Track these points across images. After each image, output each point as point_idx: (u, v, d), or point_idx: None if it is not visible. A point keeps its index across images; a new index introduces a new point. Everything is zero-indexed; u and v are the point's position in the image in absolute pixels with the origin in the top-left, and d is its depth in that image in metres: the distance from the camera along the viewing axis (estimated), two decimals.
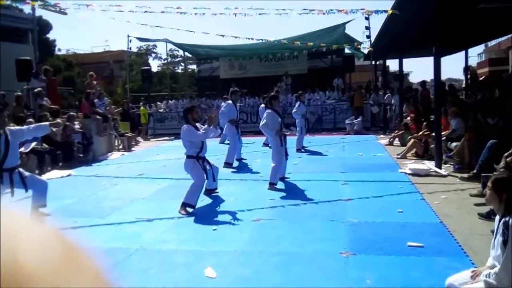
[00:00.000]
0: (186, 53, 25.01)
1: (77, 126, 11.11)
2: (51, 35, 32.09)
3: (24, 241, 0.32)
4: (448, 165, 8.09)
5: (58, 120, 6.02)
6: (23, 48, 18.00)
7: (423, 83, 15.57)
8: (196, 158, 5.82)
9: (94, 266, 0.36)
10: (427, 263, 3.78)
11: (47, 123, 5.47)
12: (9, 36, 19.40)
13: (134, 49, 32.94)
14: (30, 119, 9.45)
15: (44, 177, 8.45)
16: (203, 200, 6.19)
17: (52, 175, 8.61)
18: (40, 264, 0.31)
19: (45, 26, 29.58)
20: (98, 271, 0.36)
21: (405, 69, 28.60)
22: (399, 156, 9.36)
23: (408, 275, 3.58)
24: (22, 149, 8.12)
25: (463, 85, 20.81)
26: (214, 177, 6.30)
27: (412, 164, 8.01)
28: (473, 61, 35.99)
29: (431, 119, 9.73)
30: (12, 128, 5.54)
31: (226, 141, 11.15)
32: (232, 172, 8.57)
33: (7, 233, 0.31)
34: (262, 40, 18.44)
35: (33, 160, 8.88)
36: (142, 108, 17.90)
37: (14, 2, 14.00)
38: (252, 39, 17.39)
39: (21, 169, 5.33)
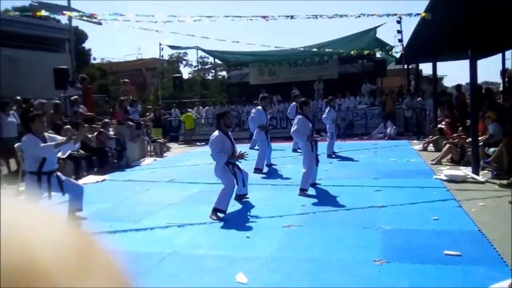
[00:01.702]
0: (216, 60, 25.28)
1: (111, 132, 11.40)
2: (86, 45, 33.16)
3: (41, 239, 0.31)
4: (485, 171, 7.82)
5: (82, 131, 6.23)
6: (60, 57, 18.68)
7: (458, 86, 15.17)
8: (226, 163, 5.86)
9: (111, 265, 0.35)
10: (464, 272, 3.65)
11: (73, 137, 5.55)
12: (47, 46, 20.18)
13: (166, 57, 33.59)
14: (68, 126, 9.77)
15: (80, 182, 8.70)
16: (234, 206, 6.21)
17: (87, 180, 8.85)
18: (56, 262, 0.30)
19: (81, 36, 30.56)
20: (115, 270, 0.35)
21: (439, 72, 27.95)
22: (433, 162, 9.11)
23: (444, 284, 3.46)
24: (59, 155, 8.39)
25: (501, 89, 20.10)
26: (244, 182, 6.32)
27: (447, 170, 7.78)
28: (510, 64, 34.70)
29: (467, 124, 9.44)
30: (50, 135, 5.75)
31: (256, 147, 11.17)
32: (262, 177, 8.57)
33: (23, 230, 0.31)
34: (292, 48, 18.42)
35: (70, 165, 9.16)
36: (188, 114, 18.06)
37: (51, 13, 14.57)
38: (282, 48, 17.38)
39: (59, 173, 5.51)
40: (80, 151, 9.72)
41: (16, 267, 0.29)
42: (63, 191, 5.43)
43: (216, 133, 5.91)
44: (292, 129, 6.99)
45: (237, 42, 15.17)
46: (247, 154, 6.13)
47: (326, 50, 18.51)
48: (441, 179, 7.34)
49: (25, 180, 5.46)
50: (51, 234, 0.33)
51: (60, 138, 5.70)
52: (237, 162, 6.10)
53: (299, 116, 6.96)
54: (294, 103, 11.53)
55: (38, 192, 5.27)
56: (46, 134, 5.54)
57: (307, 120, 6.96)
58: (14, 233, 0.31)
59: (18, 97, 11.20)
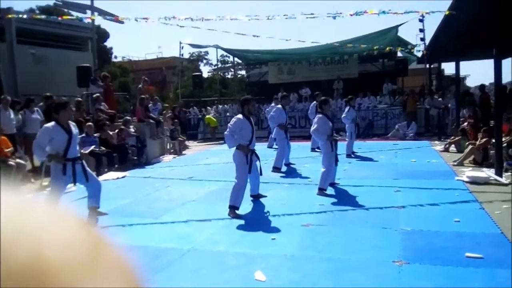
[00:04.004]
0: (236, 59, 25.34)
1: (132, 130, 11.55)
2: (108, 43, 33.65)
3: (50, 237, 0.31)
4: (509, 173, 7.66)
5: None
6: (83, 56, 18.99)
7: (482, 86, 14.85)
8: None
9: (123, 264, 0.35)
10: (487, 275, 3.59)
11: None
12: (71, 44, 20.54)
13: (186, 56, 33.87)
14: (90, 123, 9.95)
15: (101, 178, 8.84)
16: (252, 204, 6.25)
17: (108, 177, 9.00)
18: (66, 261, 0.30)
19: (103, 35, 31.02)
20: (127, 269, 0.35)
21: (462, 72, 27.44)
22: (455, 163, 8.97)
23: (466, 287, 3.41)
24: (81, 151, 8.56)
25: None
26: (261, 171, 6.30)
27: (470, 172, 7.65)
28: None
29: (491, 125, 9.26)
30: (75, 125, 5.84)
31: (274, 146, 11.18)
32: (281, 176, 8.57)
33: (31, 228, 0.31)
34: (313, 43, 18.32)
35: (92, 161, 9.31)
36: (209, 116, 18.16)
37: (77, 18, 14.94)
38: (304, 41, 17.37)
39: (83, 161, 5.63)
40: (102, 147, 9.90)
41: (25, 266, 0.28)
42: (88, 179, 5.52)
43: (240, 116, 5.96)
44: (312, 128, 6.96)
45: (257, 36, 14.94)
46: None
47: (347, 45, 18.32)
48: (463, 181, 7.22)
49: (51, 168, 5.56)
50: (60, 232, 0.32)
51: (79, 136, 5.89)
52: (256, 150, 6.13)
53: (319, 115, 6.93)
54: (315, 102, 11.50)
55: (63, 180, 5.38)
56: (72, 123, 5.61)
57: (327, 119, 6.93)
58: (22, 231, 0.30)
59: (48, 94, 11.43)
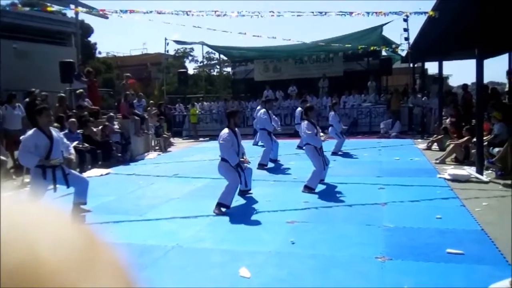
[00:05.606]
0: (222, 56, 25.27)
1: (116, 126, 11.44)
2: (92, 38, 33.20)
3: (45, 237, 0.31)
4: (490, 171, 7.81)
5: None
6: (66, 51, 18.72)
7: (465, 86, 15.11)
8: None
9: (117, 263, 0.35)
10: (467, 270, 3.67)
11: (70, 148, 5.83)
12: (54, 39, 20.22)
13: (172, 52, 33.63)
14: (73, 119, 9.81)
15: (84, 175, 8.74)
16: (238, 201, 6.24)
17: (92, 173, 8.90)
18: (61, 260, 0.30)
19: (87, 30, 30.61)
20: (121, 268, 0.35)
21: (445, 72, 27.83)
22: (437, 161, 9.11)
23: (447, 282, 3.48)
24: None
25: (506, 89, 20.00)
26: (247, 183, 6.36)
27: (451, 170, 7.78)
28: None
29: (473, 124, 9.43)
30: (56, 130, 5.80)
31: (260, 143, 11.23)
32: (266, 173, 8.60)
33: (26, 228, 0.31)
34: (299, 42, 18.37)
35: (75, 158, 9.20)
36: (193, 108, 18.16)
37: (60, 9, 14.69)
38: (289, 40, 17.37)
39: (64, 166, 5.54)
40: (85, 144, 9.77)
41: (19, 266, 0.28)
42: (68, 184, 5.46)
43: (226, 130, 5.95)
44: (306, 133, 6.92)
45: (244, 33, 15.00)
46: (250, 162, 6.24)
47: (332, 45, 18.46)
48: (445, 178, 7.34)
49: (30, 173, 5.50)
50: (55, 231, 0.32)
51: (61, 134, 5.81)
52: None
53: (305, 122, 6.99)
54: (300, 108, 11.58)
55: (43, 184, 5.31)
56: (53, 129, 5.56)
57: (312, 125, 6.99)
58: (16, 231, 0.30)
59: (33, 89, 11.27)
